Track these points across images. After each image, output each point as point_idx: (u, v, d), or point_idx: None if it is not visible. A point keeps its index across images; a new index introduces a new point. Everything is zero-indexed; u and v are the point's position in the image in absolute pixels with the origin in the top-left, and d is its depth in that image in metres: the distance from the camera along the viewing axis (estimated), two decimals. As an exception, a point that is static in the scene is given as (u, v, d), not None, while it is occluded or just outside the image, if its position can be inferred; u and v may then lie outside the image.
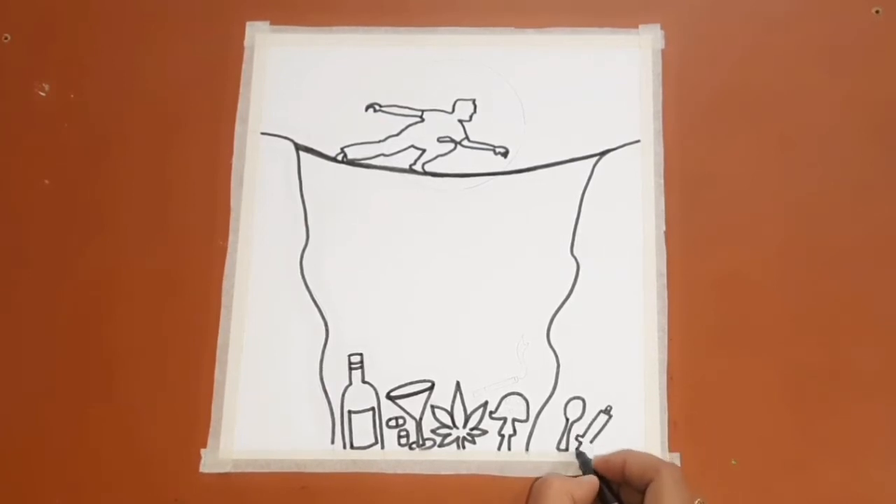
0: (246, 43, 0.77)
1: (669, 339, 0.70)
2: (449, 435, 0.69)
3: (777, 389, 0.69)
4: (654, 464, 0.62)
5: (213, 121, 0.76)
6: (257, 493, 0.68)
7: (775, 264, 0.71)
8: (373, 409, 0.69)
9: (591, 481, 0.64)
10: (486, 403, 0.69)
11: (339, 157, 0.74)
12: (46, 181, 0.75)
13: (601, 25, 0.77)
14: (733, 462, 0.68)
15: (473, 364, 0.70)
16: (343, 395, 0.69)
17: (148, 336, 0.71)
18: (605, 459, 0.65)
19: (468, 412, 0.69)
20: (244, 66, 0.77)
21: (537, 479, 0.66)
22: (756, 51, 0.76)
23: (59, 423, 0.70)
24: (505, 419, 0.69)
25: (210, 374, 0.70)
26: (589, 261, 0.72)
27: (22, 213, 0.74)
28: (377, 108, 0.75)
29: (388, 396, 0.69)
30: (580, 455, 0.67)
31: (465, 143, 0.74)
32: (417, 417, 0.69)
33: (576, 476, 0.66)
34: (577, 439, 0.68)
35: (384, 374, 0.70)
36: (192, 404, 0.70)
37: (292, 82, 0.76)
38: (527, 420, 0.69)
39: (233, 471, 0.68)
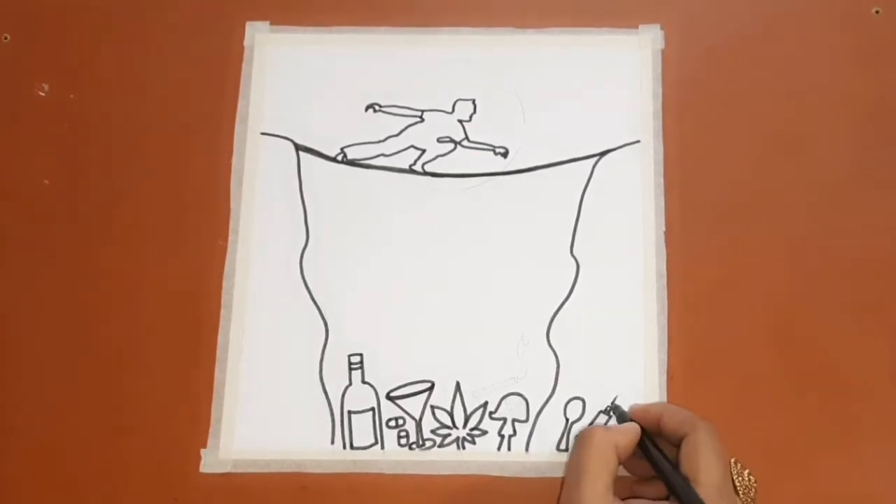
0: (246, 43, 0.77)
1: (669, 339, 0.70)
2: (449, 435, 0.69)
3: (777, 389, 0.69)
4: (691, 418, 0.61)
5: (213, 121, 0.75)
6: (257, 493, 0.68)
7: (776, 264, 0.71)
8: (373, 409, 0.69)
9: (634, 429, 0.62)
10: (485, 404, 0.69)
11: (339, 158, 0.74)
12: (46, 181, 0.75)
13: (601, 25, 0.77)
14: (733, 461, 0.68)
15: (473, 364, 0.70)
16: (343, 395, 0.69)
17: (148, 336, 0.71)
18: (644, 409, 0.65)
19: (468, 412, 0.69)
20: (244, 66, 0.77)
21: (579, 434, 0.63)
22: (756, 51, 0.76)
23: (58, 422, 0.70)
24: (505, 419, 0.69)
25: (210, 374, 0.70)
26: (589, 261, 0.72)
27: (21, 213, 0.74)
28: (377, 108, 0.75)
29: (388, 397, 0.69)
30: (616, 408, 0.67)
31: (465, 143, 0.74)
32: (417, 418, 0.69)
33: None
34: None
35: (384, 375, 0.70)
36: (192, 404, 0.70)
37: (292, 82, 0.76)
38: (527, 420, 0.69)
39: (233, 471, 0.68)
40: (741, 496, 0.60)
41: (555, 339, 0.70)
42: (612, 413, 0.68)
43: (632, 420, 0.65)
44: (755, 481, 0.61)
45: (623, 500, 0.60)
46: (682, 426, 0.61)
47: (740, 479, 0.60)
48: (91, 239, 0.73)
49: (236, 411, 0.69)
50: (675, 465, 0.61)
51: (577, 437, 0.63)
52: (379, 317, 0.71)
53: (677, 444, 0.61)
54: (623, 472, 0.65)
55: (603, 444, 0.60)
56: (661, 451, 0.62)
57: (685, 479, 0.59)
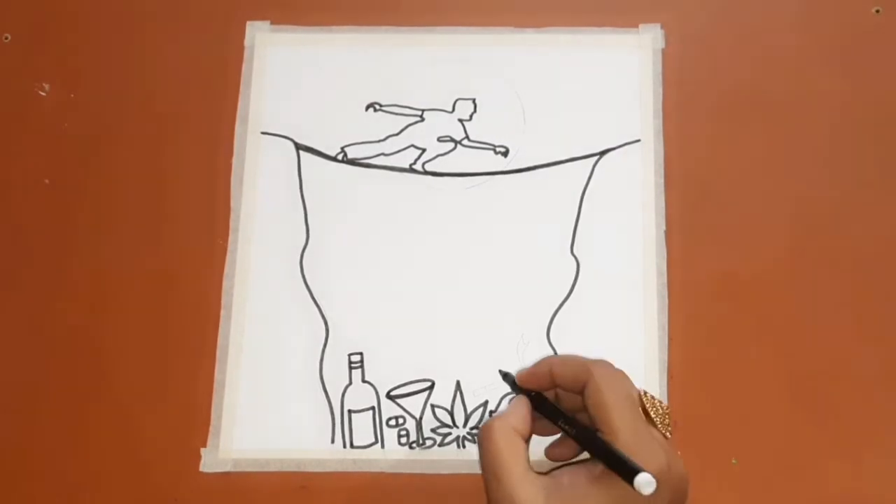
0: (246, 43, 0.77)
1: (669, 339, 0.70)
2: (449, 434, 0.69)
3: (777, 389, 0.69)
4: (582, 365, 0.57)
5: (213, 121, 0.76)
6: (257, 492, 0.68)
7: (776, 264, 0.71)
8: (373, 408, 0.69)
9: (522, 403, 0.59)
10: (486, 403, 0.69)
11: (340, 157, 0.74)
12: (46, 181, 0.75)
13: (601, 25, 0.77)
14: (733, 461, 0.68)
15: (474, 363, 0.70)
16: (343, 394, 0.69)
17: (148, 336, 0.71)
18: (530, 373, 0.60)
19: (468, 411, 0.69)
20: (244, 66, 0.77)
21: (478, 432, 0.58)
22: (756, 50, 0.76)
23: (58, 423, 0.70)
24: (505, 418, 0.69)
25: (210, 373, 0.70)
26: (589, 260, 0.72)
27: (22, 213, 0.74)
28: (377, 107, 0.75)
29: (389, 396, 0.69)
30: (505, 376, 0.64)
31: (466, 142, 0.74)
32: (417, 417, 0.69)
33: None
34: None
35: (384, 374, 0.70)
36: (192, 404, 0.70)
37: (292, 82, 0.76)
38: (527, 419, 0.69)
39: (233, 470, 0.68)
40: (658, 425, 0.56)
41: (555, 338, 0.70)
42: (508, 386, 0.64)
43: (521, 387, 0.61)
44: (668, 406, 0.58)
45: (548, 472, 0.56)
46: (578, 376, 0.57)
47: (654, 408, 0.57)
48: (90, 238, 0.73)
49: (236, 411, 0.69)
50: (574, 420, 0.57)
51: (478, 436, 0.59)
52: (379, 315, 0.71)
53: (580, 392, 0.57)
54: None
55: (502, 432, 0.56)
56: (558, 410, 0.59)
57: (589, 431, 0.55)
